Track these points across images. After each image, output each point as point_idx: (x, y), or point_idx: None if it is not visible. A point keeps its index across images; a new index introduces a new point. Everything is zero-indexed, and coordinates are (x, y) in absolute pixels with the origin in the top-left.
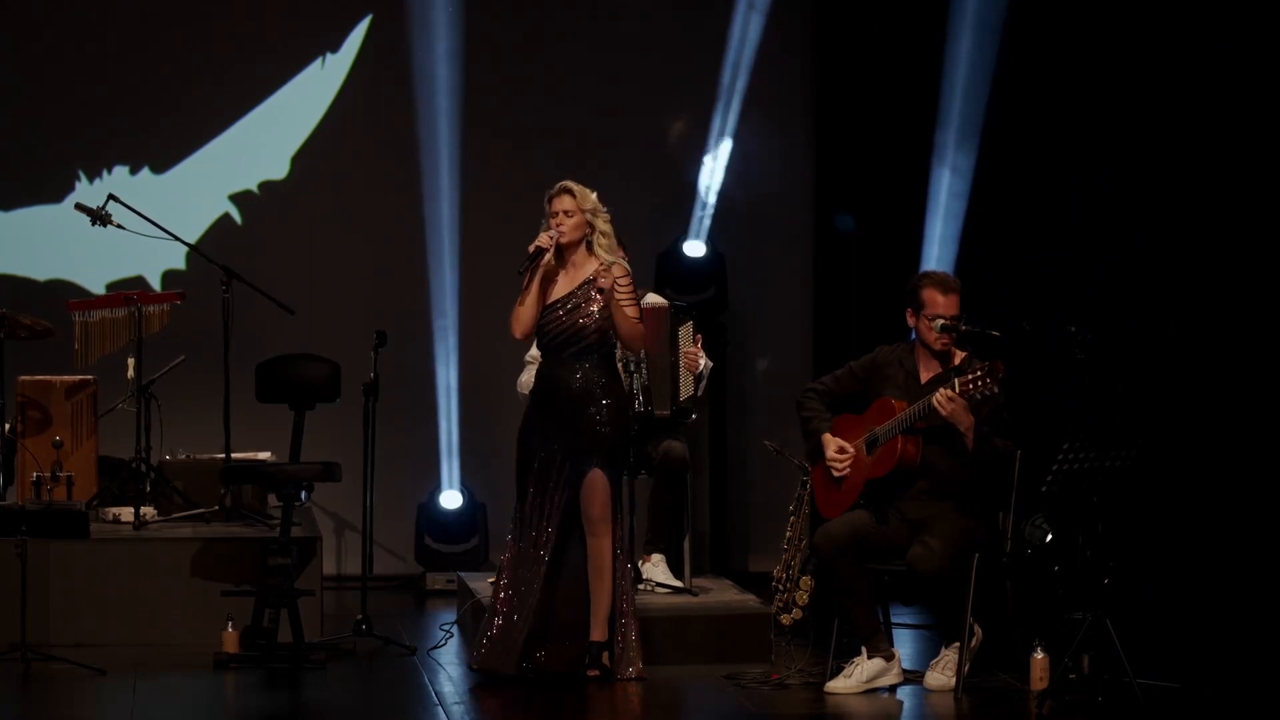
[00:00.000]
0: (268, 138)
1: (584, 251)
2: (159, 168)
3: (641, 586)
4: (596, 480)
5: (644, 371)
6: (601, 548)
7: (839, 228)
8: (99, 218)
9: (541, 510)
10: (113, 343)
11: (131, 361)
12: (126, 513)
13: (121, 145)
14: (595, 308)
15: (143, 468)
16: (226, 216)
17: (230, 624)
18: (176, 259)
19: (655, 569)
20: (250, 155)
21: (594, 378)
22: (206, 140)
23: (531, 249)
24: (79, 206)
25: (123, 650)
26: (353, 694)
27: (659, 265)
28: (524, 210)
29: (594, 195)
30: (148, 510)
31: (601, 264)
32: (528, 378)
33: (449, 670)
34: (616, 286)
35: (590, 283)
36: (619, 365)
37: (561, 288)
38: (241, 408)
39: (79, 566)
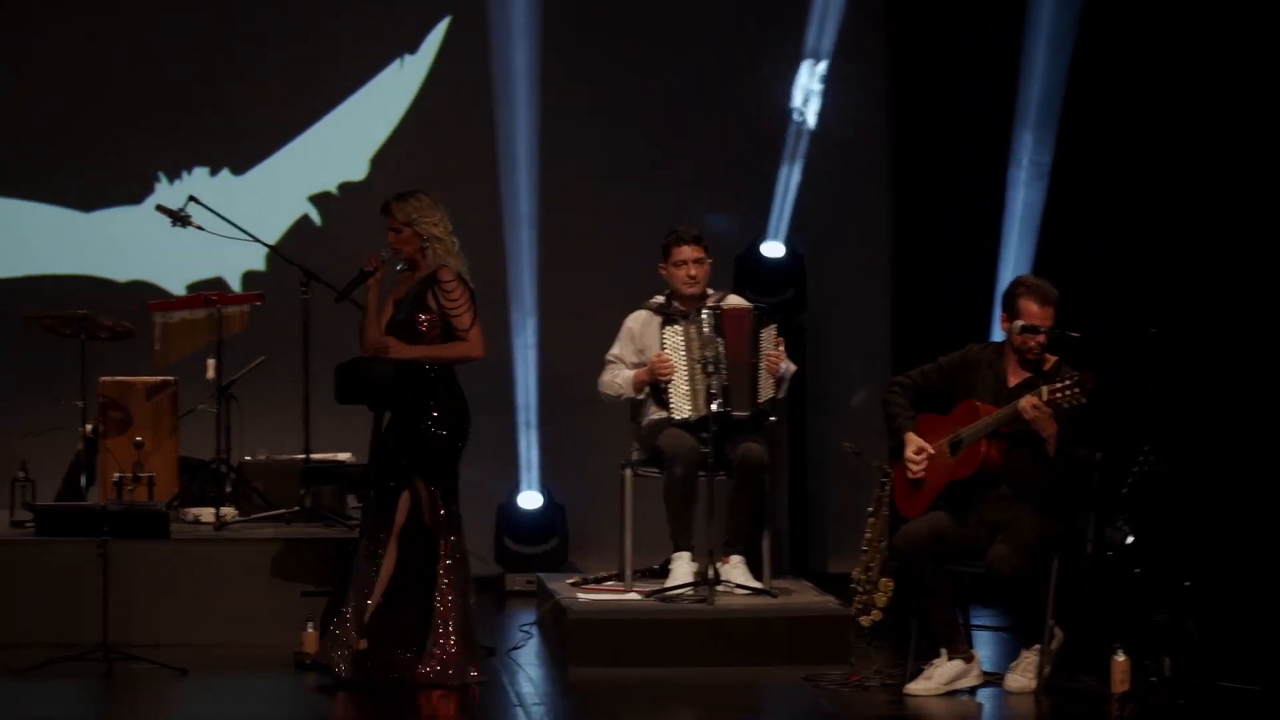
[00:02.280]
0: (347, 139)
1: (422, 256)
2: (239, 169)
3: (720, 588)
4: (420, 493)
5: (723, 372)
6: (389, 562)
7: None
8: (179, 219)
9: (380, 520)
10: (193, 343)
11: (212, 362)
12: (207, 513)
13: (201, 147)
14: (431, 304)
15: (223, 468)
16: (306, 218)
17: (310, 624)
18: (256, 260)
19: (734, 570)
20: (329, 156)
21: (431, 385)
22: (286, 141)
23: (360, 270)
24: (159, 208)
25: (203, 650)
26: (433, 695)
27: (738, 266)
28: (603, 209)
29: (415, 204)
30: (228, 511)
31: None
32: (609, 377)
33: (528, 671)
34: (442, 294)
35: (424, 284)
36: (698, 366)
37: (404, 289)
38: (321, 408)
39: (160, 567)
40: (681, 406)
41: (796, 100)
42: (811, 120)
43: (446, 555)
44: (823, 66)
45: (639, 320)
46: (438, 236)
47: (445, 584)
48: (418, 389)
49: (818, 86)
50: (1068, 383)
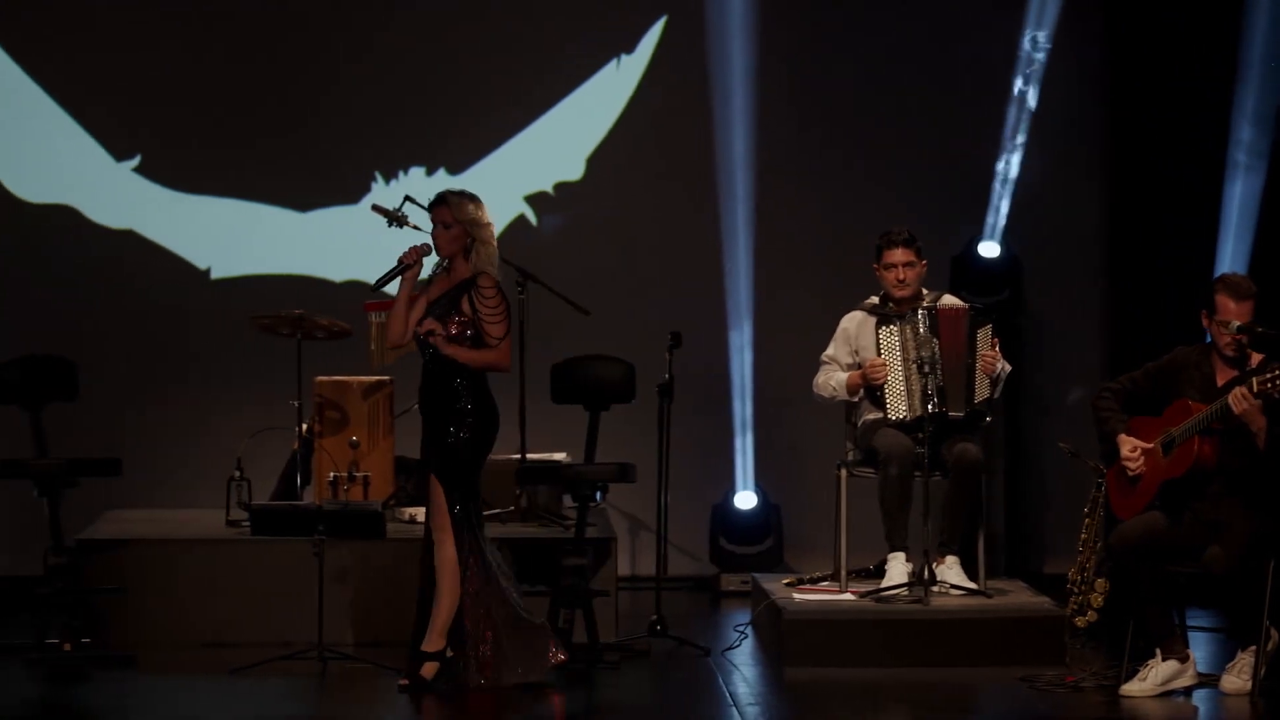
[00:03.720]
0: (563, 138)
1: (462, 259)
2: (455, 169)
3: (935, 588)
4: (434, 488)
5: (939, 372)
6: (440, 556)
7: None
8: (395, 219)
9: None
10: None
11: None
12: (422, 513)
13: (417, 146)
14: (465, 308)
15: None
16: (521, 217)
17: None
18: None
19: (949, 570)
20: (545, 156)
21: (459, 387)
22: (502, 141)
23: (398, 261)
24: (375, 208)
25: None
26: (646, 695)
27: (954, 267)
28: (819, 208)
29: (473, 206)
30: None
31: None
32: (823, 379)
33: (743, 671)
34: (479, 299)
35: (462, 287)
36: (913, 366)
37: (438, 290)
38: (537, 408)
39: (375, 566)
40: (897, 407)
41: (1018, 80)
42: (1031, 101)
43: (464, 558)
44: (1042, 45)
45: (854, 321)
46: (485, 241)
47: (470, 588)
48: (446, 395)
49: (1038, 67)
50: (1277, 372)
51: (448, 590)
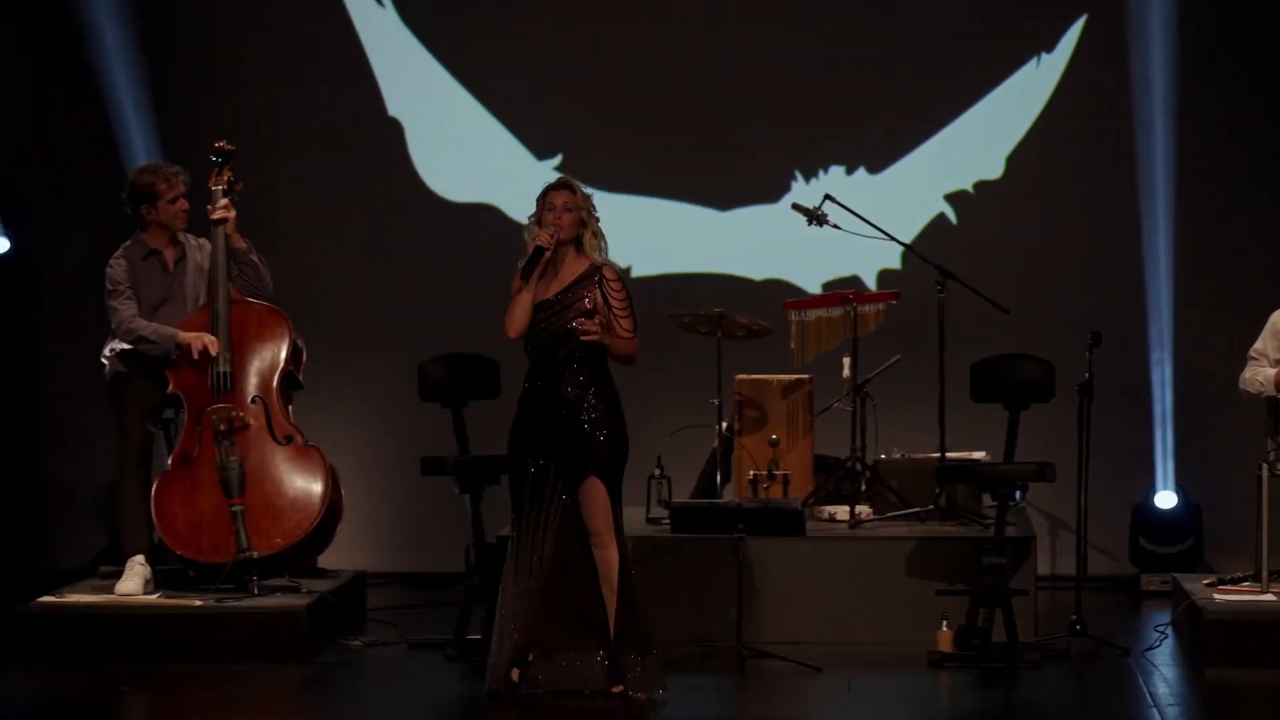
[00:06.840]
0: (983, 137)
1: (574, 251)
2: (874, 168)
3: None
4: (594, 489)
5: None
6: (607, 559)
7: None
8: (815, 217)
9: (538, 522)
10: (829, 342)
11: (847, 360)
12: (842, 511)
13: (838, 145)
14: (586, 305)
15: (858, 466)
16: (942, 216)
17: (945, 623)
18: (892, 259)
19: None
20: (965, 155)
21: (585, 383)
22: (921, 140)
23: (531, 248)
24: (795, 206)
25: (837, 648)
26: (1066, 695)
27: None
28: (1241, 206)
29: (588, 195)
30: (863, 509)
31: (593, 264)
32: (1250, 374)
33: (1164, 672)
34: (610, 291)
35: (579, 282)
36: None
37: (550, 287)
38: (956, 407)
39: (794, 564)
40: None
41: None
42: None
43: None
44: None
45: None
46: (598, 232)
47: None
48: (578, 392)
49: None
50: None
51: (620, 590)
